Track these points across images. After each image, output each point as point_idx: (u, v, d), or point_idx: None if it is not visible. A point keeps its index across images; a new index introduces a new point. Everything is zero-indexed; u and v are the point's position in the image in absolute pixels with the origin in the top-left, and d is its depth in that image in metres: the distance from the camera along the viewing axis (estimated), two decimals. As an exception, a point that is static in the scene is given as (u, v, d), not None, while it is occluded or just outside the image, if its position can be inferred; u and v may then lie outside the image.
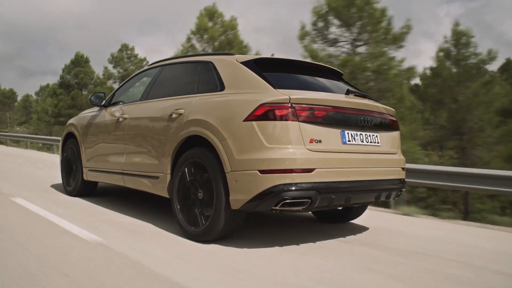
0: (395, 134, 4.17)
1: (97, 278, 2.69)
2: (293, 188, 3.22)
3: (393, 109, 4.27)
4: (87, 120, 5.76)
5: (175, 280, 2.70)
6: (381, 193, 3.85)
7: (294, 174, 3.23)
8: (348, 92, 3.98)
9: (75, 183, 5.82)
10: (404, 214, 5.79)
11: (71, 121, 6.25)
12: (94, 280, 2.65)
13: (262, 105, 3.32)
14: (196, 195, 3.76)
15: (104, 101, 5.52)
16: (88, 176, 5.57)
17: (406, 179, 4.35)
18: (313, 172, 3.30)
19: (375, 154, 3.83)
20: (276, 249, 3.52)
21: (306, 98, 3.43)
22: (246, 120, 3.36)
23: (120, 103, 5.32)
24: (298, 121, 3.32)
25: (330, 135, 3.48)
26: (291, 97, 3.33)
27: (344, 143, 3.57)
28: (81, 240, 3.58)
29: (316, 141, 3.37)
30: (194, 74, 4.31)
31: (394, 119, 4.19)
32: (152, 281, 2.67)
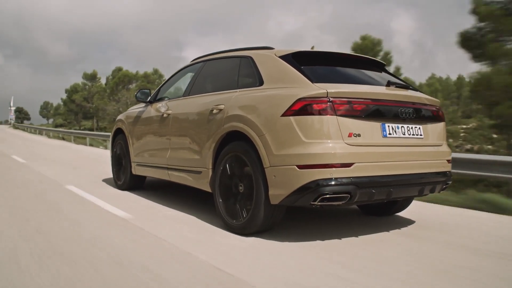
0: (440, 125, 4.04)
1: (138, 258, 2.82)
2: (332, 183, 3.21)
3: (437, 100, 4.14)
4: (134, 116, 5.97)
5: (219, 266, 2.79)
6: (425, 187, 3.75)
7: (333, 169, 3.22)
8: (389, 84, 3.88)
9: (125, 177, 6.06)
10: (454, 206, 5.60)
11: (119, 117, 6.50)
12: (137, 259, 2.79)
13: (299, 99, 3.32)
14: (237, 188, 3.83)
15: (149, 97, 5.70)
16: (136, 170, 5.79)
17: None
18: (352, 167, 3.27)
19: (417, 146, 3.73)
20: (318, 243, 3.52)
21: (344, 91, 3.39)
22: (283, 115, 3.37)
23: (165, 98, 5.47)
24: (336, 115, 3.29)
25: (369, 129, 3.43)
26: (328, 91, 3.30)
27: (385, 136, 3.51)
28: (130, 225, 3.78)
29: (355, 135, 3.34)
30: (234, 69, 4.37)
31: (438, 110, 4.06)
32: (197, 268, 2.77)
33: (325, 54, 4.03)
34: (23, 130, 44.99)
